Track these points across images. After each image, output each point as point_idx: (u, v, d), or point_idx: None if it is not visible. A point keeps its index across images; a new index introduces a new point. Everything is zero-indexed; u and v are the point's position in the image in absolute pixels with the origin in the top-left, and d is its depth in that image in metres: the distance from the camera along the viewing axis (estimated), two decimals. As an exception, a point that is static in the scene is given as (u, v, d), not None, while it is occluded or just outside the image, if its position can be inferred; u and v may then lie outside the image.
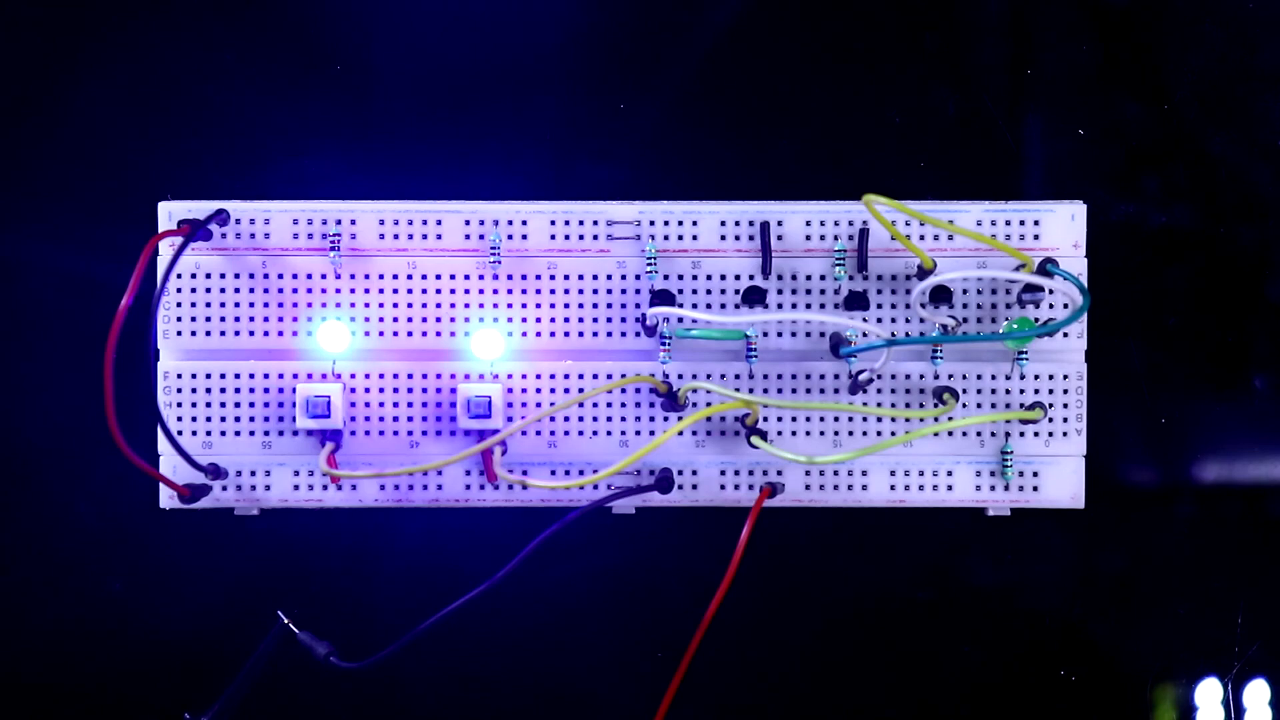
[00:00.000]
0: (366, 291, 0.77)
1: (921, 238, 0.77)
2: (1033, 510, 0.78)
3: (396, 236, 0.77)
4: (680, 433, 0.77)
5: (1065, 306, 0.77)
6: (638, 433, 0.78)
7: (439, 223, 0.77)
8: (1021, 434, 0.78)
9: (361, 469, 0.77)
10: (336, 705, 0.83)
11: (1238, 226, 0.82)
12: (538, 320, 0.77)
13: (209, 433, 0.78)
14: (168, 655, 0.82)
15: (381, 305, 0.77)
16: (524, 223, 0.77)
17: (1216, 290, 0.82)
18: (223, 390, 0.77)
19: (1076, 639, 0.83)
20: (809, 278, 0.77)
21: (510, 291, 0.77)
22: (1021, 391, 0.78)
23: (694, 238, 0.77)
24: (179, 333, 0.77)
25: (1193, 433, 0.83)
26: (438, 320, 0.77)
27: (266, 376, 0.77)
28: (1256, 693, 0.83)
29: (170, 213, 0.77)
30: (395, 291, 0.77)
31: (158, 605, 0.82)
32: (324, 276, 0.77)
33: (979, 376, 0.78)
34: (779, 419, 0.78)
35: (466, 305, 0.77)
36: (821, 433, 0.78)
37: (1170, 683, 0.83)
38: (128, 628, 0.82)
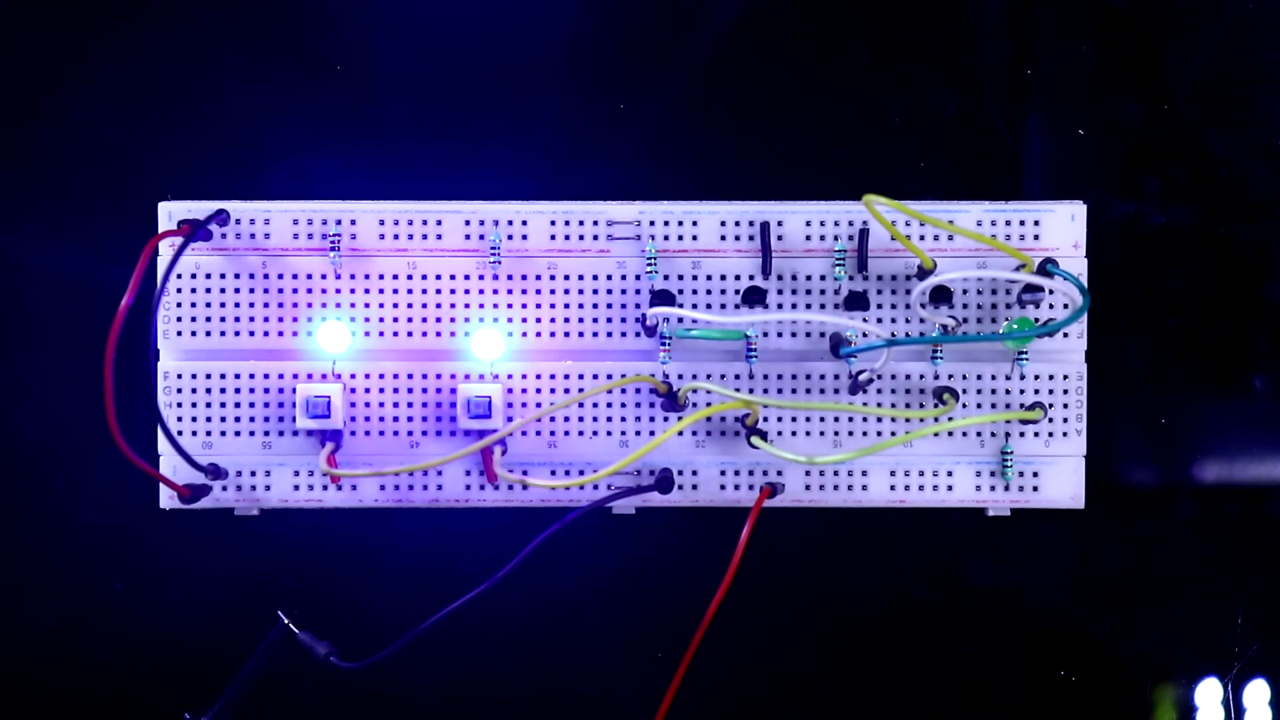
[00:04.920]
0: (366, 291, 0.77)
1: (921, 238, 0.77)
2: (1033, 510, 0.78)
3: (396, 236, 0.77)
4: (680, 433, 0.77)
5: (1065, 306, 0.77)
6: (638, 433, 0.78)
7: (439, 223, 0.77)
8: (1021, 434, 0.78)
9: (361, 469, 0.77)
10: (336, 705, 0.83)
11: (1238, 226, 0.82)
12: (538, 320, 0.77)
13: (209, 433, 0.78)
14: (168, 655, 0.82)
15: (381, 305, 0.77)
16: (524, 223, 0.77)
17: (1216, 290, 0.82)
18: (223, 390, 0.77)
19: (1076, 639, 0.83)
20: (809, 278, 0.77)
21: (510, 291, 0.77)
22: (1021, 391, 0.78)
23: (694, 238, 0.77)
24: (179, 333, 0.77)
25: (1193, 433, 0.83)
26: (438, 320, 0.77)
27: (266, 376, 0.77)
28: (1256, 693, 0.83)
29: (170, 213, 0.77)
30: (395, 291, 0.77)
31: (158, 605, 0.82)
32: (324, 276, 0.77)
33: (979, 376, 0.78)
34: (779, 419, 0.78)
35: (466, 305, 0.77)
36: (821, 433, 0.78)
37: (1170, 683, 0.83)
38: (128, 628, 0.82)
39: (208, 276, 0.77)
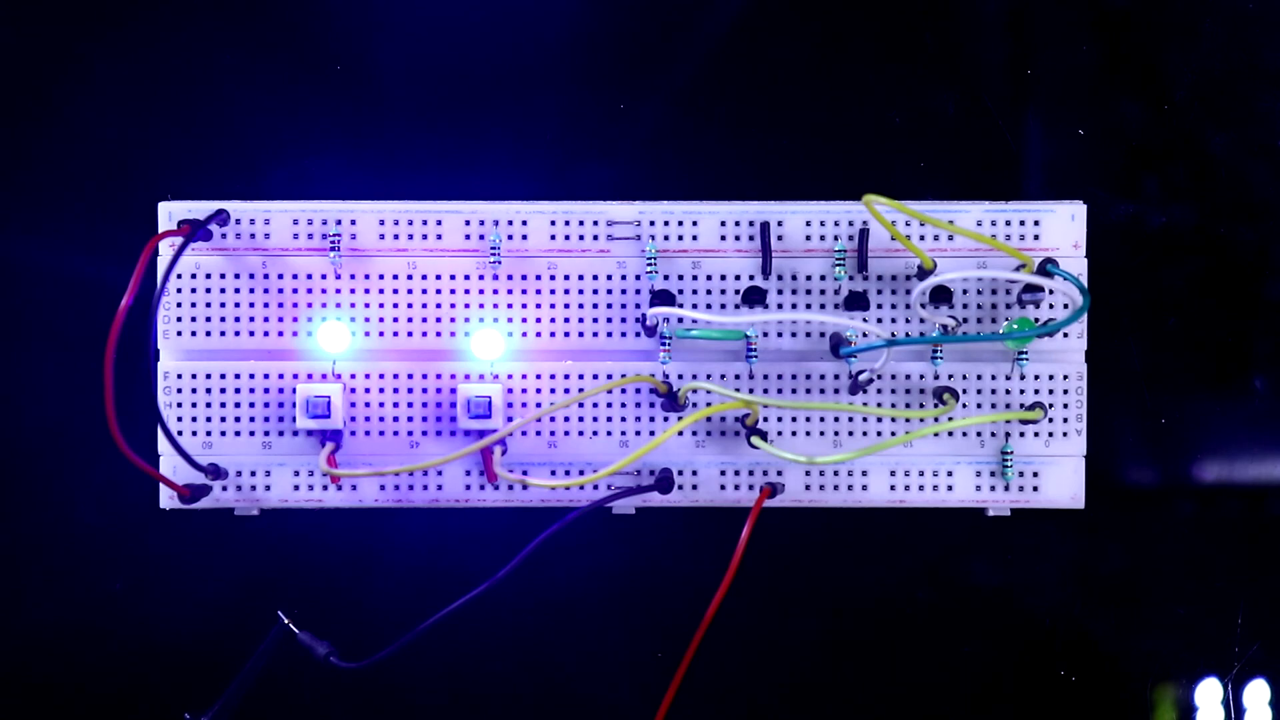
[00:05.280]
0: (366, 291, 0.77)
1: (921, 238, 0.77)
2: (1033, 510, 0.78)
3: (396, 236, 0.77)
4: (680, 433, 0.77)
5: (1065, 306, 0.77)
6: (638, 433, 0.78)
7: (439, 223, 0.77)
8: (1021, 434, 0.78)
9: (361, 469, 0.77)
10: (336, 705, 0.83)
11: (1238, 226, 0.82)
12: (538, 320, 0.77)
13: (209, 433, 0.78)
14: (168, 655, 0.82)
15: (381, 305, 0.77)
16: (524, 223, 0.77)
17: (1216, 290, 0.82)
18: (223, 390, 0.77)
19: (1076, 639, 0.83)
20: (809, 278, 0.77)
21: (510, 291, 0.77)
22: (1021, 391, 0.78)
23: (694, 238, 0.77)
24: (179, 333, 0.77)
25: (1193, 433, 0.83)
26: (438, 320, 0.77)
27: (266, 376, 0.77)
28: (1256, 693, 0.83)
29: (170, 213, 0.77)
30: (395, 291, 0.77)
31: (158, 605, 0.82)
32: (324, 276, 0.77)
33: (979, 376, 0.78)
34: (779, 419, 0.78)
35: (466, 305, 0.77)
36: (821, 433, 0.78)
37: (1170, 683, 0.83)
38: (128, 628, 0.82)
39: (208, 276, 0.77)
